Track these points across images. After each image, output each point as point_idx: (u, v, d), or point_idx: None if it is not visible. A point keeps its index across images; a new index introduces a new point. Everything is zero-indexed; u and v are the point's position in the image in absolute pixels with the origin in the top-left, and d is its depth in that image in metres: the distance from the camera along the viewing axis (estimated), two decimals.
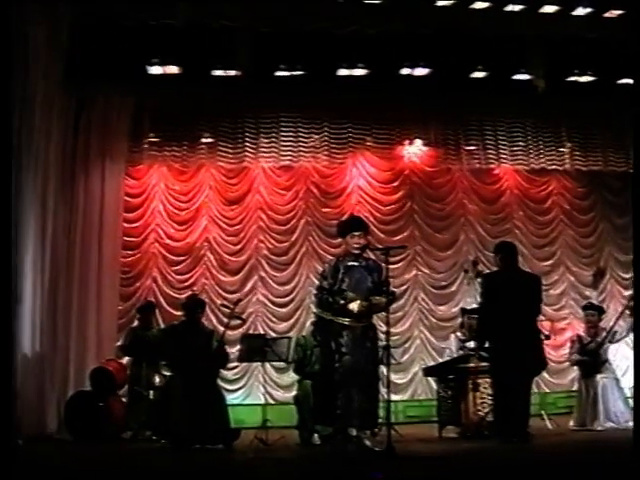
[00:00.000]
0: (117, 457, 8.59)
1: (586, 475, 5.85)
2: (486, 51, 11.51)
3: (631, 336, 10.35)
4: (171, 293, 12.64)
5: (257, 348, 9.81)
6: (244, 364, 12.02)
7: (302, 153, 12.74)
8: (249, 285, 12.99)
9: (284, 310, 13.03)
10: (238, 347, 10.45)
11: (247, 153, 12.60)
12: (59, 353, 11.01)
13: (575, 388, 10.92)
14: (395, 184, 13.56)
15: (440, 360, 11.26)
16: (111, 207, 11.92)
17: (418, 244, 13.47)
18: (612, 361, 10.64)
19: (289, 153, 12.70)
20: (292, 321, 12.91)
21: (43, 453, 8.80)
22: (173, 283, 12.75)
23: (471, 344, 10.00)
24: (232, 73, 11.21)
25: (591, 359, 10.31)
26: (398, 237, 13.15)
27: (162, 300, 12.52)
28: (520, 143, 13.22)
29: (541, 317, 9.78)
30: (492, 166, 13.49)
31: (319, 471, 7.05)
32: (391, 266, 8.40)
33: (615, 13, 10.96)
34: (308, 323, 11.19)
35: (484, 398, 9.52)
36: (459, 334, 10.55)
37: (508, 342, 8.49)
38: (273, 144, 12.63)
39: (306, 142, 12.72)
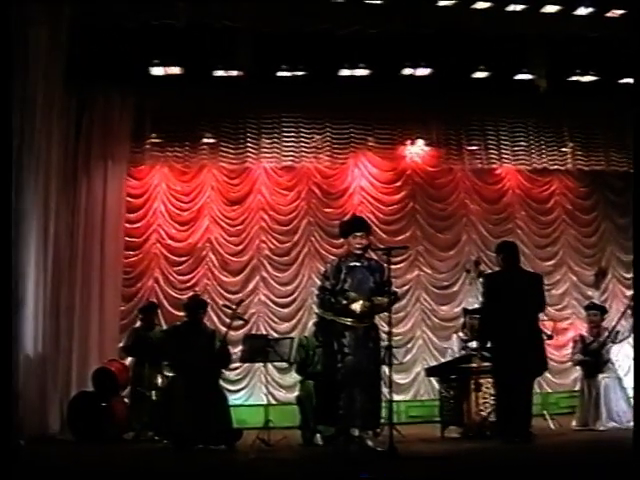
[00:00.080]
0: (119, 458, 8.60)
1: (589, 475, 5.85)
2: (488, 51, 11.50)
3: (633, 336, 10.36)
4: (173, 294, 12.64)
5: (259, 348, 9.80)
6: (246, 365, 12.02)
7: (304, 153, 12.74)
8: (251, 285, 12.99)
9: (286, 310, 13.02)
10: (240, 348, 10.43)
11: (249, 153, 12.60)
12: (61, 354, 11.02)
13: (577, 388, 10.91)
14: (397, 184, 13.55)
15: (442, 360, 11.26)
16: (113, 208, 11.93)
17: (420, 244, 13.47)
18: (614, 361, 10.64)
19: (291, 153, 12.71)
20: (294, 321, 12.91)
21: (45, 454, 8.80)
22: (175, 284, 12.75)
23: (473, 344, 10.01)
24: (234, 73, 11.23)
25: (593, 359, 10.30)
26: (400, 237, 13.14)
27: (164, 301, 12.51)
28: (522, 143, 13.22)
29: (543, 317, 9.79)
30: (494, 166, 13.49)
31: (321, 471, 7.05)
32: (393, 266, 8.39)
33: (617, 13, 10.96)
34: (310, 323, 11.20)
35: (486, 398, 9.51)
36: (461, 334, 10.55)
37: (510, 342, 8.49)
38: (275, 144, 12.64)
39: (308, 142, 12.73)
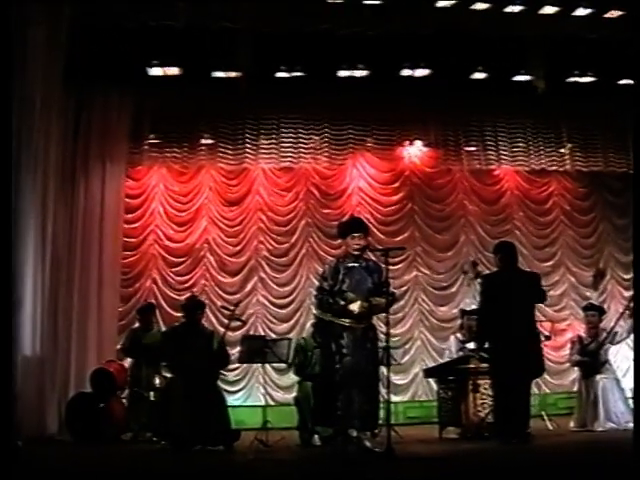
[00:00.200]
0: (118, 458, 8.59)
1: (587, 476, 5.84)
2: (486, 52, 11.50)
3: (632, 337, 10.36)
4: (171, 294, 12.64)
5: (257, 349, 9.79)
6: (245, 365, 12.03)
7: (302, 154, 12.75)
8: (249, 286, 12.99)
9: (284, 311, 13.03)
10: (238, 349, 10.42)
11: (247, 154, 12.61)
12: (60, 354, 11.01)
13: (576, 389, 10.89)
14: (395, 185, 13.56)
15: (441, 361, 11.25)
16: (111, 209, 11.93)
17: (418, 245, 13.48)
18: (613, 362, 10.63)
19: (289, 154, 12.71)
20: (292, 322, 12.91)
21: (44, 454, 8.79)
22: (173, 284, 12.76)
23: (471, 345, 10.01)
24: (232, 74, 11.22)
25: (591, 360, 10.29)
26: (398, 238, 13.15)
27: (162, 301, 12.52)
28: (520, 144, 13.24)
29: (541, 318, 9.80)
30: (492, 167, 13.51)
31: (319, 472, 7.05)
32: (391, 267, 8.41)
33: (615, 14, 10.95)
34: (308, 324, 11.19)
35: (484, 399, 9.51)
36: (459, 335, 10.55)
37: (508, 343, 8.49)
38: (273, 145, 12.65)
39: (306, 143, 12.74)
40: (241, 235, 13.11)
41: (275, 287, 13.10)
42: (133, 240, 12.66)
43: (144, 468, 7.62)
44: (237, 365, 11.80)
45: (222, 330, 10.11)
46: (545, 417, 10.58)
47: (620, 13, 10.93)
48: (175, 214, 12.97)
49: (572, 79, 11.95)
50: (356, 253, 7.99)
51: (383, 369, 8.10)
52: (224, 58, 11.04)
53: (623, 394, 10.27)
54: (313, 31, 10.84)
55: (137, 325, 11.21)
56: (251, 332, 12.17)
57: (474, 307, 10.19)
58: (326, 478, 6.60)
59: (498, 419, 8.80)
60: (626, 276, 13.63)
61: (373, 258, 8.31)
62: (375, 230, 12.59)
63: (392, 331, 8.67)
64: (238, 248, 13.08)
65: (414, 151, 13.33)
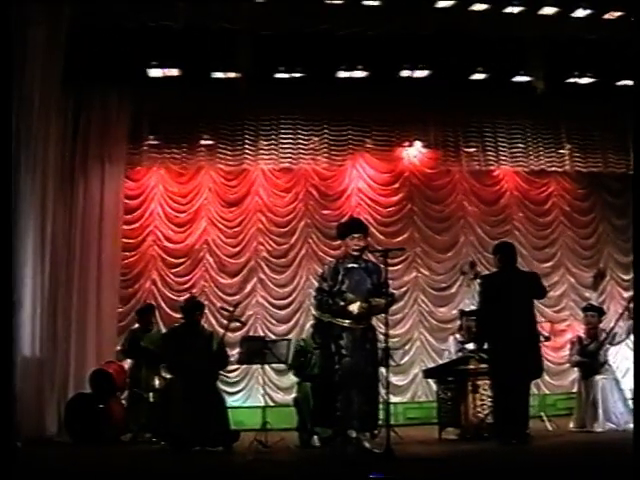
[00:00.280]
0: (117, 459, 8.59)
1: (586, 477, 5.84)
2: (486, 53, 11.50)
3: (632, 338, 10.36)
4: (170, 295, 12.64)
5: (256, 350, 9.79)
6: (244, 366, 12.03)
7: (302, 155, 12.75)
8: (248, 287, 12.99)
9: (283, 312, 13.03)
10: (238, 350, 10.42)
11: (247, 155, 12.61)
12: (59, 355, 11.01)
13: (575, 390, 10.89)
14: (395, 186, 13.56)
15: (440, 362, 11.25)
16: (110, 210, 11.93)
17: (418, 246, 13.48)
18: (612, 362, 10.62)
19: (289, 155, 12.71)
20: (292, 323, 12.91)
21: (43, 456, 8.79)
22: (172, 285, 12.76)
23: (470, 346, 10.00)
24: (232, 75, 11.21)
25: (591, 360, 10.28)
26: (398, 239, 13.16)
27: (162, 302, 12.52)
28: (520, 145, 13.24)
29: (541, 318, 9.79)
30: (492, 168, 13.51)
31: (318, 473, 7.05)
32: (391, 268, 8.42)
33: (615, 14, 10.95)
34: (308, 325, 11.19)
35: (484, 400, 9.51)
36: (458, 336, 10.55)
37: (507, 344, 8.49)
38: (273, 146, 12.65)
39: (306, 144, 12.73)
40: (240, 236, 13.11)
41: (274, 288, 13.10)
42: (132, 241, 12.66)
43: (143, 469, 7.62)
44: (237, 366, 11.79)
45: (222, 331, 10.10)
46: (544, 418, 10.59)
47: (619, 14, 10.94)
48: (174, 215, 12.98)
49: (571, 80, 11.95)
50: (355, 254, 7.98)
51: (382, 370, 8.09)
52: (223, 59, 11.03)
53: (622, 395, 10.26)
54: (312, 32, 10.84)
55: (136, 326, 11.20)
56: (250, 333, 12.18)
57: (473, 308, 10.19)
58: (325, 479, 6.59)
59: (497, 420, 8.80)
60: (626, 277, 13.63)
61: (372, 259, 8.31)
62: (374, 231, 12.59)
63: (391, 332, 8.69)
64: (237, 249, 13.09)
65: (413, 152, 13.34)
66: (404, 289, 13.14)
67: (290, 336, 11.87)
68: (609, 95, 12.14)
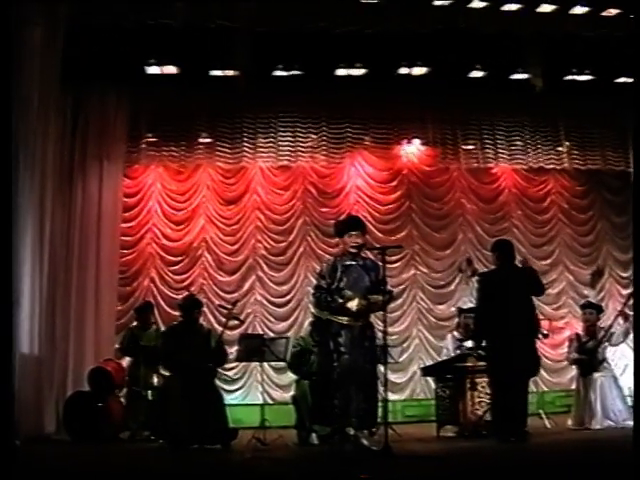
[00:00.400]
0: (115, 457, 8.59)
1: (584, 474, 5.84)
2: (484, 50, 11.49)
3: (631, 337, 10.36)
4: (169, 293, 12.65)
5: (255, 348, 9.80)
6: (243, 364, 12.03)
7: (300, 153, 12.72)
8: (247, 285, 13.00)
9: (282, 310, 13.03)
10: (236, 347, 10.42)
11: (245, 153, 12.59)
12: (57, 353, 11.00)
13: (573, 387, 10.90)
14: (393, 184, 13.57)
15: (439, 360, 11.25)
16: (109, 208, 11.92)
17: (416, 243, 13.48)
18: (610, 360, 10.64)
19: (287, 153, 12.69)
20: (290, 321, 12.92)
21: (41, 454, 8.79)
22: (171, 283, 12.76)
23: (468, 343, 10.01)
24: (230, 73, 11.21)
25: (589, 358, 10.29)
26: (396, 236, 13.16)
27: (160, 300, 12.52)
28: (518, 142, 13.22)
29: (540, 316, 9.79)
30: (490, 165, 13.50)
31: (317, 471, 7.04)
32: (389, 265, 8.41)
33: (613, 12, 10.94)
34: (306, 323, 11.19)
35: (482, 397, 9.51)
36: (456, 333, 10.55)
37: (506, 341, 8.49)
38: (271, 144, 12.63)
39: (304, 142, 12.71)
40: (239, 234, 13.11)
41: (273, 286, 13.10)
42: (130, 239, 12.66)
43: (142, 467, 7.62)
44: (235, 364, 11.79)
45: (220, 329, 10.10)
46: (543, 415, 10.59)
47: (617, 11, 10.93)
48: (172, 213, 12.98)
49: (570, 77, 11.94)
50: (353, 251, 7.99)
51: (381, 367, 8.10)
52: (222, 57, 11.03)
53: (621, 392, 10.28)
54: (311, 30, 10.82)
55: (135, 324, 11.21)
56: (249, 331, 12.17)
57: (471, 305, 10.19)
58: (324, 476, 6.59)
59: (496, 417, 8.81)
60: (624, 274, 13.64)
61: (371, 256, 8.31)
62: (373, 228, 12.62)
63: (390, 329, 8.68)
64: (236, 247, 13.08)
65: (412, 149, 13.32)
66: (402, 287, 13.15)
67: (289, 334, 11.87)
68: (607, 92, 12.13)
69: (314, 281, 8.89)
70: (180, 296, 11.56)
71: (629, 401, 10.33)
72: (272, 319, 12.96)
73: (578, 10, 10.88)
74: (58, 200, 10.96)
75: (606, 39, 11.24)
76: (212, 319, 12.05)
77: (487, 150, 13.15)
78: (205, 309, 10.99)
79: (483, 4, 10.75)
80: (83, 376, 10.73)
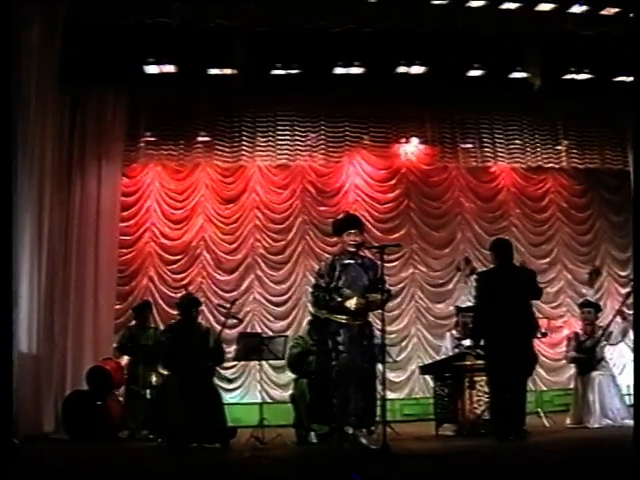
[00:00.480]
0: (114, 456, 8.59)
1: (583, 473, 5.84)
2: (482, 49, 11.47)
3: (631, 336, 10.37)
4: (167, 292, 12.64)
5: (254, 347, 9.78)
6: (242, 363, 12.03)
7: (299, 152, 12.72)
8: (245, 284, 13.00)
9: (281, 309, 13.03)
10: (235, 346, 10.42)
11: (244, 152, 12.59)
12: (56, 352, 11.01)
13: (572, 386, 10.90)
14: (392, 182, 13.57)
15: (437, 358, 11.25)
16: (107, 206, 11.92)
17: (415, 242, 13.49)
18: (609, 359, 10.65)
19: (286, 152, 12.68)
20: (289, 320, 12.92)
21: (40, 453, 8.79)
22: (169, 282, 12.76)
23: (466, 342, 10.01)
24: (228, 72, 11.20)
25: (588, 357, 10.30)
26: (395, 235, 13.16)
27: (159, 299, 12.53)
28: (517, 141, 13.22)
29: (538, 315, 9.80)
30: (489, 164, 13.49)
31: (315, 470, 7.04)
32: (388, 264, 8.40)
33: (611, 10, 10.93)
34: (305, 322, 11.19)
35: (480, 396, 9.51)
36: (454, 332, 10.56)
37: (504, 340, 8.49)
38: (270, 143, 12.62)
39: (303, 140, 12.71)
40: (237, 233, 13.11)
41: (271, 285, 13.11)
42: (129, 238, 12.67)
43: (141, 466, 7.62)
44: (234, 363, 11.79)
45: (219, 328, 10.10)
46: (541, 414, 10.58)
47: (616, 10, 10.92)
48: (171, 212, 12.98)
49: (568, 76, 11.94)
50: (352, 250, 7.98)
51: (379, 366, 8.11)
52: (220, 56, 11.02)
53: (619, 391, 10.29)
54: (309, 28, 10.80)
55: (133, 323, 11.22)
56: (248, 330, 12.18)
57: (470, 304, 10.19)
58: (322, 475, 6.59)
59: (494, 416, 8.81)
60: (622, 273, 13.64)
61: (369, 255, 8.32)
62: (371, 227, 12.63)
63: (388, 328, 8.66)
64: (234, 246, 13.09)
65: (410, 148, 13.33)
66: (401, 285, 13.16)
67: (287, 333, 11.86)
68: (606, 91, 12.13)
69: (313, 280, 8.90)
70: (178, 295, 11.55)
71: (627, 400, 10.33)
72: (271, 318, 12.96)
73: (577, 9, 10.88)
74: (56, 199, 10.96)
75: (605, 38, 11.22)
76: (211, 318, 12.05)
77: (486, 149, 13.15)
78: (204, 308, 11.01)
79: (481, 3, 10.75)
80: (82, 375, 10.74)
